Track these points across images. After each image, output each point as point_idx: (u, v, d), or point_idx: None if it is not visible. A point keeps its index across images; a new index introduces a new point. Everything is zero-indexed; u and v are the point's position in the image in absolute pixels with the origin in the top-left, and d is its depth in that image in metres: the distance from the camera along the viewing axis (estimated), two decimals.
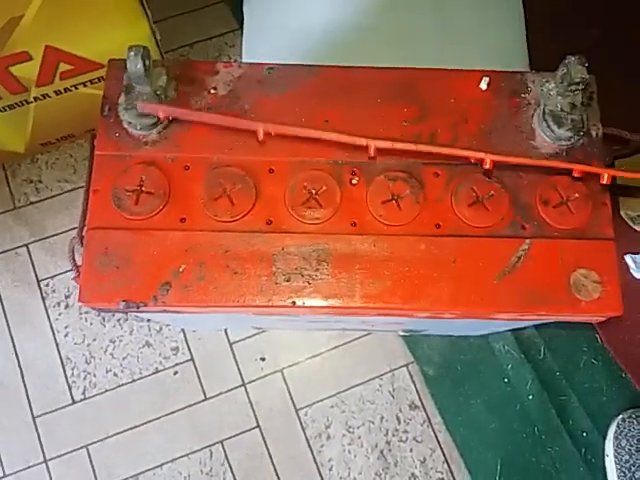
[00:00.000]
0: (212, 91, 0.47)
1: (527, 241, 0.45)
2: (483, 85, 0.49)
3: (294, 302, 0.43)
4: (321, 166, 0.46)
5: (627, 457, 0.74)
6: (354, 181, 0.46)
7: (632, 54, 0.87)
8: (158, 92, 0.45)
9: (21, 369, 0.79)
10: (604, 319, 0.46)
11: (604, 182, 0.44)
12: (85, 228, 0.44)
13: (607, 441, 0.77)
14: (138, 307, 0.43)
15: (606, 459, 0.77)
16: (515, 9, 0.77)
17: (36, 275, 0.82)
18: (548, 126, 0.46)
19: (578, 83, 0.44)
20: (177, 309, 0.44)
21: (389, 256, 0.45)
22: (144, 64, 0.42)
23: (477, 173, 0.46)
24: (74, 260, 0.46)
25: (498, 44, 0.75)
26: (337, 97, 0.48)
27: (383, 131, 0.47)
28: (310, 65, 0.49)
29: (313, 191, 0.45)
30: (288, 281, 0.44)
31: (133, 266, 0.43)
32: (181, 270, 0.43)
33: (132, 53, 0.42)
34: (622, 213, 0.86)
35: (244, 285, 0.43)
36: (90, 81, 0.71)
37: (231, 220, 0.44)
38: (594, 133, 0.48)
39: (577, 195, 0.46)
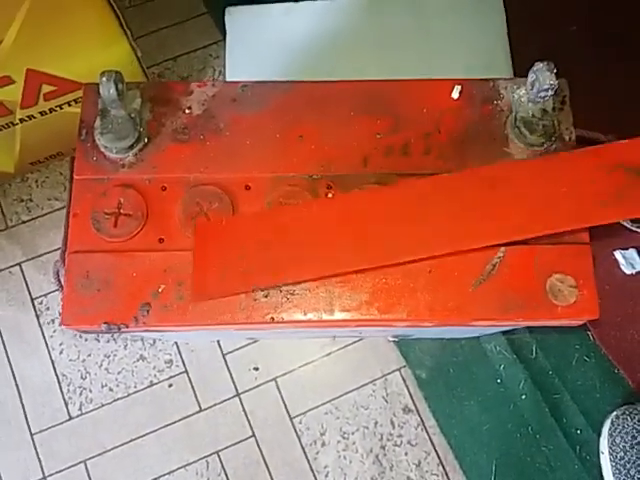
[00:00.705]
0: (187, 111, 0.48)
1: (502, 249, 0.45)
2: (455, 94, 0.49)
3: (273, 318, 0.44)
4: (296, 181, 0.46)
5: (622, 454, 0.75)
6: (330, 195, 0.46)
7: (611, 52, 0.88)
8: (132, 115, 0.46)
9: (18, 387, 0.80)
10: (582, 323, 0.46)
11: None
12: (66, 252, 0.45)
13: (602, 438, 0.77)
14: (119, 328, 0.43)
15: (601, 456, 0.77)
16: (497, 13, 0.77)
17: (30, 293, 0.83)
18: (520, 132, 0.47)
19: (547, 89, 0.44)
20: (158, 329, 0.44)
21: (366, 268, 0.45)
22: (117, 88, 0.43)
23: None
24: (59, 282, 0.47)
25: (480, 48, 0.75)
26: (311, 112, 0.48)
27: (357, 145, 0.47)
28: (283, 81, 0.49)
29: None
30: (267, 297, 0.44)
31: (114, 288, 0.44)
32: (160, 290, 0.44)
33: (104, 79, 0.43)
34: None
35: (223, 303, 0.44)
36: (75, 100, 0.72)
37: None
38: (567, 137, 0.48)
39: None
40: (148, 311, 0.43)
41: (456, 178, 0.44)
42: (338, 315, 0.44)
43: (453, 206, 0.43)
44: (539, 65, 0.44)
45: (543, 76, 0.44)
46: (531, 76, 0.45)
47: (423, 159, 0.47)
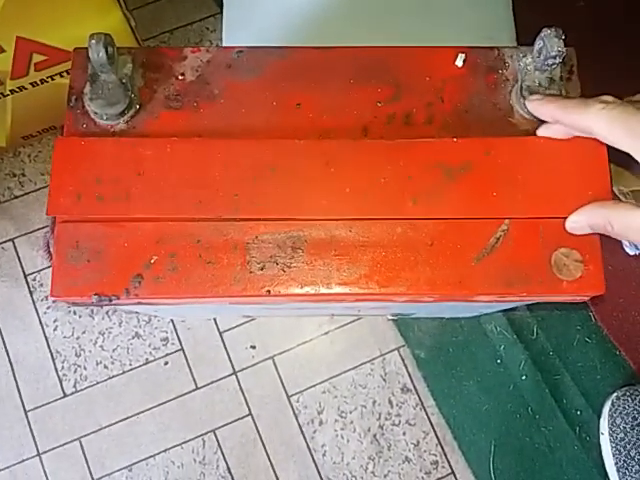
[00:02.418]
0: (180, 77, 0.46)
1: (506, 222, 0.44)
2: (459, 62, 0.47)
3: (269, 291, 0.42)
4: None
5: (622, 435, 0.74)
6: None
7: (617, 26, 0.86)
8: (124, 80, 0.44)
9: (11, 364, 0.79)
10: (587, 298, 0.45)
11: None
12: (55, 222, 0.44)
13: (602, 419, 0.77)
14: (110, 300, 0.42)
15: (601, 437, 0.77)
16: None
17: (23, 269, 0.82)
18: (526, 102, 0.45)
19: (555, 57, 0.42)
20: (150, 301, 0.43)
21: (365, 241, 0.44)
22: (106, 52, 0.41)
23: None
24: (50, 253, 0.45)
25: (484, 18, 0.73)
26: (309, 79, 0.46)
27: (357, 113, 0.46)
28: (280, 47, 0.47)
29: None
30: (263, 269, 0.43)
31: (104, 259, 0.42)
32: (152, 262, 0.42)
33: (94, 41, 0.41)
34: (615, 189, 0.84)
35: (218, 275, 0.42)
36: (67, 72, 0.70)
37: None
38: None
39: None
40: (140, 282, 0.42)
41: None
42: (336, 289, 0.43)
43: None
44: (547, 31, 0.42)
45: (551, 42, 0.42)
46: (538, 43, 0.43)
47: (426, 128, 0.46)
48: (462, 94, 0.46)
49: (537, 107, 0.43)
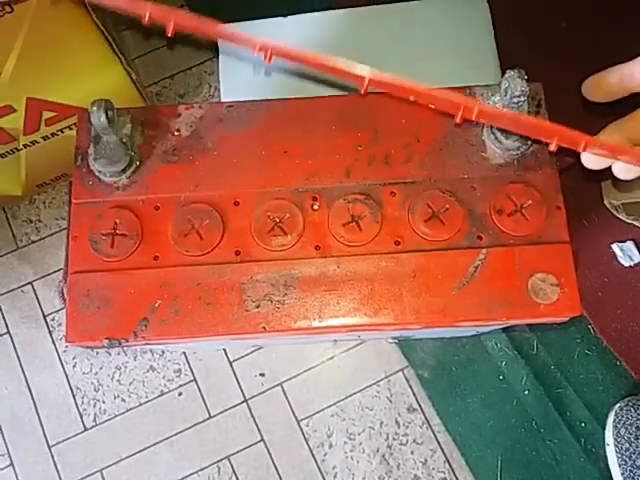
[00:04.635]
0: (176, 133, 0.50)
1: (483, 251, 0.47)
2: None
3: (264, 327, 0.46)
4: (283, 195, 0.48)
5: (627, 445, 0.75)
6: (315, 206, 0.48)
7: (600, 47, 0.88)
8: (124, 140, 0.48)
9: (34, 402, 0.83)
10: (565, 319, 0.47)
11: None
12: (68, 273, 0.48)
13: (606, 430, 0.78)
14: (120, 343, 0.46)
15: (607, 448, 0.78)
16: (483, 15, 0.78)
17: (42, 310, 0.86)
18: (496, 138, 0.48)
19: (519, 95, 0.46)
20: (157, 342, 0.47)
21: (352, 276, 0.47)
22: (107, 116, 0.45)
23: (432, 189, 0.48)
24: (64, 300, 0.49)
25: (468, 51, 0.76)
26: (294, 128, 0.50)
27: (339, 157, 0.49)
28: (267, 100, 0.51)
29: (277, 219, 0.48)
30: (258, 307, 0.46)
31: (113, 305, 0.46)
32: (157, 305, 0.46)
33: (94, 107, 0.45)
34: (606, 202, 0.87)
35: (217, 315, 0.46)
36: (75, 124, 0.75)
37: (201, 254, 0.47)
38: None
39: (530, 202, 0.47)
40: (146, 325, 0.46)
41: None
42: (328, 322, 0.46)
43: None
44: (510, 73, 0.46)
45: (514, 83, 0.45)
46: (504, 83, 0.47)
47: (404, 168, 0.49)
48: (436, 133, 0.50)
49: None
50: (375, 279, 0.47)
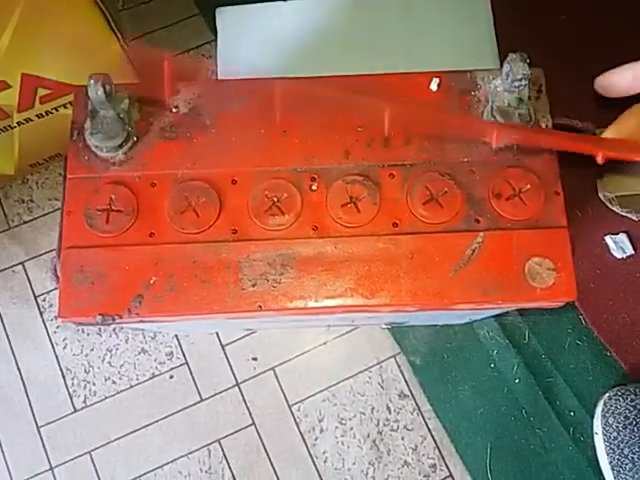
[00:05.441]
0: (174, 109, 0.50)
1: (481, 234, 0.47)
2: (434, 86, 0.50)
3: (260, 306, 0.46)
4: (281, 174, 0.48)
5: (615, 434, 0.76)
6: (314, 187, 0.48)
7: (598, 39, 0.88)
8: (121, 115, 0.47)
9: (24, 382, 0.83)
10: (561, 304, 0.48)
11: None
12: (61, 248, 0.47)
13: (595, 420, 0.79)
14: (114, 319, 0.45)
15: (595, 437, 0.79)
16: (483, 3, 0.78)
17: (33, 291, 0.85)
18: (497, 121, 0.48)
19: (521, 79, 0.45)
20: (151, 319, 0.46)
21: (350, 256, 0.47)
22: (105, 90, 0.45)
23: (431, 172, 0.48)
24: (57, 277, 0.49)
25: (466, 38, 0.77)
26: (293, 108, 0.50)
27: (338, 138, 0.49)
28: (267, 78, 0.51)
29: (275, 199, 0.47)
30: (254, 286, 0.46)
31: (107, 281, 0.46)
32: (152, 282, 0.46)
33: (92, 81, 0.44)
34: (600, 195, 0.87)
35: (212, 293, 0.46)
36: (70, 103, 0.74)
37: (197, 232, 0.47)
38: (544, 124, 0.49)
39: (529, 186, 0.47)
40: (140, 302, 0.45)
41: None
42: (324, 302, 0.46)
43: None
44: (512, 56, 0.46)
45: (516, 66, 0.45)
46: (505, 67, 0.47)
47: (404, 150, 0.49)
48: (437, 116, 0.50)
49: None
50: (372, 260, 0.47)
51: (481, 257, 0.47)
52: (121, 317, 0.45)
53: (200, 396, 0.82)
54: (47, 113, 0.74)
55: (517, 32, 0.75)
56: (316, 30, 0.76)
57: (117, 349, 0.83)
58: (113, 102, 0.47)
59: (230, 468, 0.79)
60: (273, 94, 0.50)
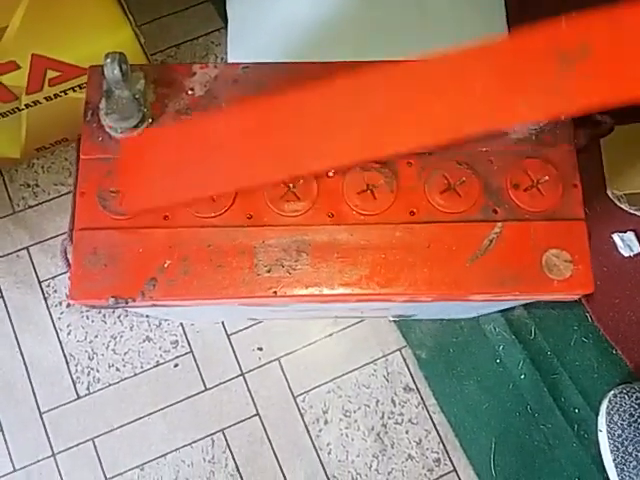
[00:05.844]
0: (189, 92, 0.49)
1: (499, 224, 0.47)
2: None
3: (275, 292, 0.45)
4: None
5: (620, 432, 0.76)
6: (330, 173, 0.47)
7: None
8: (137, 96, 0.47)
9: (27, 368, 0.82)
10: (577, 297, 0.47)
11: None
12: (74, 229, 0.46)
13: (600, 417, 0.79)
14: (127, 302, 0.45)
15: (599, 434, 0.78)
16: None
17: (37, 276, 0.85)
18: None
19: None
20: (164, 303, 0.46)
21: (366, 244, 0.46)
22: (121, 69, 0.44)
23: (449, 161, 0.47)
24: (67, 260, 0.48)
25: (478, 26, 0.76)
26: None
27: None
28: (283, 62, 0.50)
29: (291, 185, 0.47)
30: (269, 272, 0.46)
31: (120, 263, 0.45)
32: (166, 265, 0.45)
33: (109, 60, 0.44)
34: (609, 192, 0.87)
35: (227, 277, 0.45)
36: (79, 86, 0.73)
37: (213, 216, 0.46)
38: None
39: (547, 178, 0.47)
40: (154, 285, 0.45)
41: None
42: (339, 290, 0.46)
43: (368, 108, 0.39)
44: None
45: None
46: None
47: None
48: None
49: None
50: (388, 249, 0.46)
51: (498, 248, 0.46)
52: (134, 300, 0.45)
53: (204, 385, 0.81)
54: (56, 96, 0.73)
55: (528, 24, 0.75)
56: (327, 16, 0.75)
57: (122, 336, 0.83)
58: (129, 82, 0.46)
59: (234, 458, 0.79)
60: (289, 78, 0.50)
